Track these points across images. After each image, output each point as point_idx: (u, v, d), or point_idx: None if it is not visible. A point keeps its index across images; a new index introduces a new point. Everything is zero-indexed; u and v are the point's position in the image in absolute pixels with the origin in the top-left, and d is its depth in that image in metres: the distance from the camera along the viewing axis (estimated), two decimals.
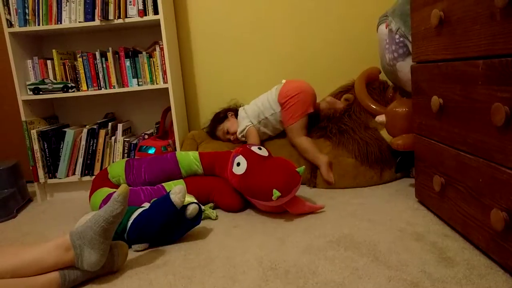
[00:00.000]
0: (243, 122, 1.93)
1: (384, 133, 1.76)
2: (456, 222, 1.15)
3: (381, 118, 1.66)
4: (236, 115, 2.03)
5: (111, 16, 1.85)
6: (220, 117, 2.04)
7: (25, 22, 1.87)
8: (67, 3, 1.86)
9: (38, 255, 1.01)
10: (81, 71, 1.95)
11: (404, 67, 1.56)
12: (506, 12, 0.84)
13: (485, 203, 0.98)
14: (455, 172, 1.12)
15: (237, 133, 1.95)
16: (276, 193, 1.35)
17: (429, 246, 1.12)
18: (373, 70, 1.96)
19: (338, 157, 1.75)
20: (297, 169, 1.44)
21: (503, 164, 0.90)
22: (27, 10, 1.86)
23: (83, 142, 1.97)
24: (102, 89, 1.95)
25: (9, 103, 2.19)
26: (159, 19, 1.84)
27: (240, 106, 2.06)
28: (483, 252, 1.05)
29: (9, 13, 1.85)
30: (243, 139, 1.94)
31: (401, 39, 1.54)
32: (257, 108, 1.91)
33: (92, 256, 1.04)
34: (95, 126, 1.99)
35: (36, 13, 1.87)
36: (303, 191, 1.73)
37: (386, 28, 1.63)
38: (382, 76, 1.91)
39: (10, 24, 1.86)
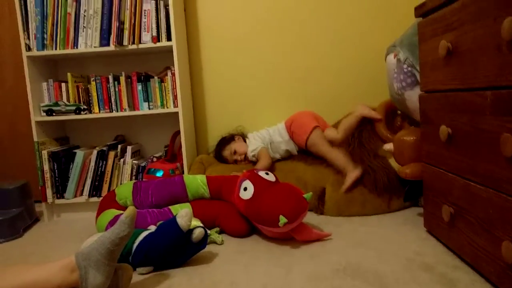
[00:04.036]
0: (255, 143, 2.01)
1: (392, 161, 1.76)
2: (466, 254, 1.13)
3: (388, 146, 1.66)
4: (243, 139, 2.11)
5: (125, 42, 1.90)
6: (227, 139, 2.11)
7: (43, 47, 1.93)
8: (84, 29, 1.93)
9: (42, 276, 1.01)
10: (94, 94, 1.99)
11: (412, 96, 1.58)
12: None
13: (496, 235, 0.96)
14: (464, 202, 1.11)
15: (248, 152, 2.00)
16: (282, 219, 1.34)
17: (439, 277, 1.10)
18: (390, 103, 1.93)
19: None
20: (304, 195, 1.44)
21: None
22: (45, 35, 1.93)
23: (92, 164, 1.99)
24: (114, 112, 1.99)
25: (22, 123, 2.24)
26: (171, 45, 1.88)
27: (246, 133, 2.16)
28: (495, 285, 1.02)
29: (28, 38, 1.92)
30: (254, 159, 1.99)
31: (409, 68, 1.56)
32: (267, 135, 2.03)
33: (97, 278, 1.03)
34: (104, 148, 2.01)
35: (54, 38, 1.93)
36: (310, 218, 1.71)
37: (394, 58, 1.65)
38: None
39: (29, 48, 1.92)
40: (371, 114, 1.84)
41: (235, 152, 2.04)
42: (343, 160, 1.75)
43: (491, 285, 1.03)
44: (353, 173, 1.70)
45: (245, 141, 2.09)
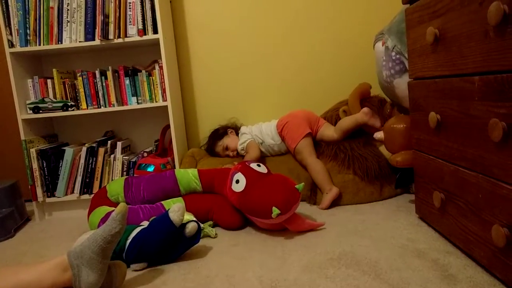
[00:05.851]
0: (245, 136, 1.97)
1: (383, 149, 1.77)
2: (458, 239, 1.14)
3: (379, 134, 1.67)
4: (236, 133, 2.07)
5: (111, 36, 1.87)
6: (220, 133, 2.07)
7: (26, 42, 1.89)
8: (68, 23, 1.89)
9: (35, 276, 1.00)
10: (81, 90, 1.96)
11: (401, 83, 1.58)
12: (499, 30, 0.86)
13: (486, 219, 0.97)
14: (454, 187, 1.12)
15: (238, 145, 1.97)
16: (275, 211, 1.35)
17: (431, 263, 1.11)
18: (365, 86, 1.94)
19: (337, 174, 1.75)
20: (296, 186, 1.44)
21: (502, 179, 0.90)
22: (28, 31, 1.88)
23: (82, 161, 1.96)
24: (102, 107, 1.96)
25: (8, 122, 2.20)
26: (158, 38, 1.86)
27: (239, 125, 2.12)
28: (486, 269, 1.04)
29: (11, 34, 1.88)
30: (243, 152, 1.95)
31: (398, 56, 1.56)
32: (259, 133, 1.98)
33: (90, 276, 1.03)
34: (94, 145, 1.99)
35: (37, 34, 1.89)
36: (303, 208, 1.72)
37: (383, 45, 1.65)
38: (380, 93, 1.92)
39: (11, 45, 1.88)
40: (373, 124, 1.78)
41: (227, 148, 2.02)
42: (323, 179, 1.73)
43: (483, 269, 1.05)
44: (331, 193, 1.69)
45: (237, 134, 2.06)
